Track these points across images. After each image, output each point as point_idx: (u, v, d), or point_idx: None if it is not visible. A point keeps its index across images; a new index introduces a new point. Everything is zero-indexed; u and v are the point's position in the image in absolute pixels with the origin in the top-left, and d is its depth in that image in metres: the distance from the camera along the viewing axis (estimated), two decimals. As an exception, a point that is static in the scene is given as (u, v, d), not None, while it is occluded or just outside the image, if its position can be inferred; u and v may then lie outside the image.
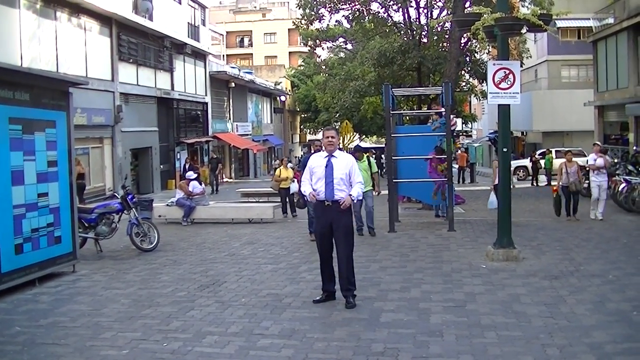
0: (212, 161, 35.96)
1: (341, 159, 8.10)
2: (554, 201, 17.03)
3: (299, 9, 29.43)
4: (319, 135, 73.82)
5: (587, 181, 17.54)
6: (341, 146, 35.90)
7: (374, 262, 10.88)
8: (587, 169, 17.23)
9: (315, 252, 8.38)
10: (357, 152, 14.23)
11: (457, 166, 26.80)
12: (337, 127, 40.26)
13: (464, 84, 34.17)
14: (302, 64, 67.15)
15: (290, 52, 79.75)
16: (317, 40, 33.16)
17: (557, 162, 35.06)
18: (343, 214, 7.95)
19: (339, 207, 7.90)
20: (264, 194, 24.55)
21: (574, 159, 16.88)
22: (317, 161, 8.19)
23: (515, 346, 6.29)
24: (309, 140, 13.91)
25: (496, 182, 17.18)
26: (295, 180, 18.82)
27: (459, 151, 37.35)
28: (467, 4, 22.52)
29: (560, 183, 16.45)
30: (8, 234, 8.97)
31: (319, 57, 45.16)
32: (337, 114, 38.36)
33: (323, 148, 8.33)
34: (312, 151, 12.64)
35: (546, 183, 32.02)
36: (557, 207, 16.74)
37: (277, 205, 18.32)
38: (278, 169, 19.64)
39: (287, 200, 18.78)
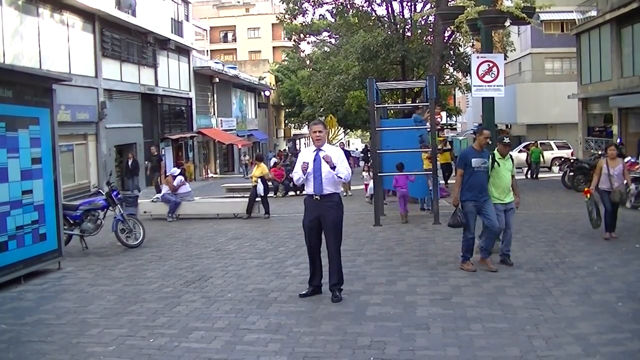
0: (152, 159, 29.49)
1: (328, 152, 8.04)
2: (589, 208, 12.25)
3: (283, 3, 29.42)
4: (304, 130, 73.75)
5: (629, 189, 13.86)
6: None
7: (359, 255, 10.89)
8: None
9: (302, 246, 8.38)
10: (502, 145, 9.78)
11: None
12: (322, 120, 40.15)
13: (448, 77, 34.23)
14: (286, 58, 67.03)
15: (274, 47, 79.71)
16: (301, 35, 33.12)
17: (545, 155, 35.53)
18: (331, 209, 7.94)
19: (328, 202, 7.92)
20: (249, 189, 24.52)
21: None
22: (305, 156, 8.20)
23: (502, 338, 6.32)
24: None
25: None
26: (259, 181, 17.74)
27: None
28: (451, -3, 22.55)
29: (600, 187, 12.11)
30: (-8, 231, 8.91)
31: (303, 51, 45.10)
32: (322, 109, 38.26)
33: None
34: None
35: (532, 176, 32.12)
36: (597, 216, 12.13)
37: (258, 201, 18.00)
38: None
39: (254, 199, 17.71)
